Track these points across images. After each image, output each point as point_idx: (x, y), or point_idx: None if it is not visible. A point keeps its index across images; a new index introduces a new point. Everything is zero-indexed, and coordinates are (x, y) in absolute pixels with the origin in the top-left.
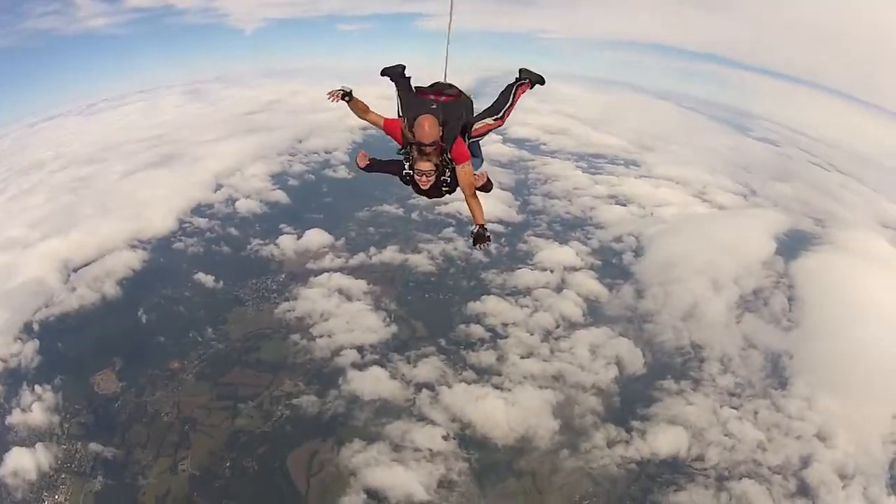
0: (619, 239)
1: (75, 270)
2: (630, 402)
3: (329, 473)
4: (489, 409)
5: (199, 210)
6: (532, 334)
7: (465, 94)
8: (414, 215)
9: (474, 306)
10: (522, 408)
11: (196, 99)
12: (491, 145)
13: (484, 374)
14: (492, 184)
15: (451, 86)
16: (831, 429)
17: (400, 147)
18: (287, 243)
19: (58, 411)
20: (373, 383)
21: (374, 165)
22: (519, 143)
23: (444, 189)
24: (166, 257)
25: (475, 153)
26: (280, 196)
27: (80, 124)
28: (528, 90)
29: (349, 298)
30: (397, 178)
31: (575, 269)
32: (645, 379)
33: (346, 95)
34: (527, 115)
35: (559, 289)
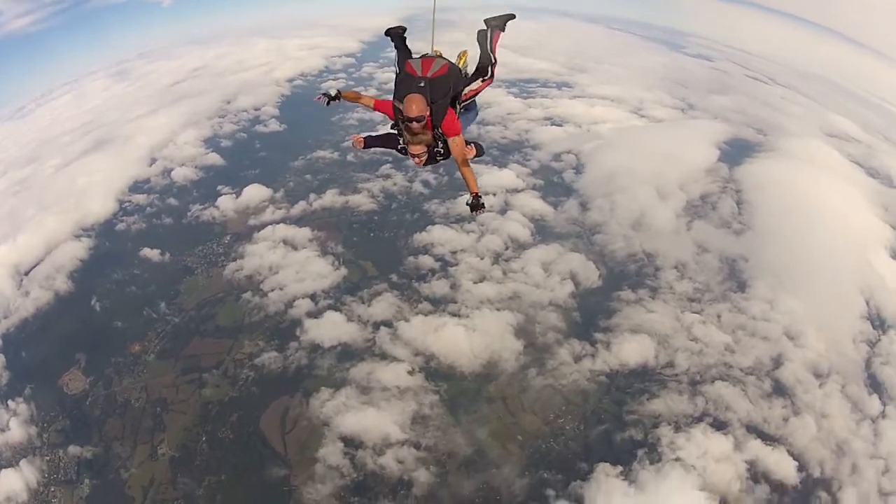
0: (558, 158)
1: (27, 273)
2: (590, 316)
3: (302, 428)
4: (450, 338)
5: (136, 187)
6: (482, 258)
7: (453, 65)
8: (350, 157)
9: (420, 238)
10: (483, 332)
11: (122, 79)
12: None
13: (439, 304)
14: (483, 149)
15: (439, 57)
16: (799, 329)
17: (393, 122)
18: (226, 204)
19: (34, 422)
20: (330, 329)
21: (370, 143)
22: None
23: (438, 158)
24: (111, 240)
25: (470, 108)
26: (215, 159)
27: (12, 129)
28: (501, 35)
29: (295, 248)
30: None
31: (517, 191)
32: (602, 291)
33: (336, 98)
34: (453, 49)
35: (503, 211)
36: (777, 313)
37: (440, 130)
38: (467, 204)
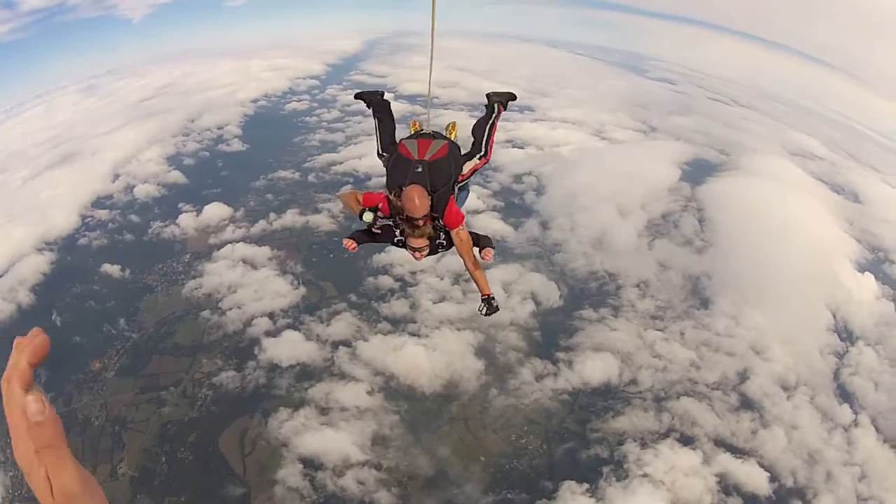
0: (519, 179)
1: None
2: (551, 335)
3: (261, 449)
4: (410, 358)
5: (99, 202)
6: (442, 279)
7: (453, 144)
8: (311, 178)
9: (380, 258)
10: (444, 352)
11: (90, 94)
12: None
13: (399, 324)
14: (493, 243)
15: (436, 135)
16: (764, 343)
17: (386, 215)
18: (187, 221)
19: None
20: (289, 348)
21: (363, 241)
22: (411, 98)
23: (439, 250)
24: (73, 255)
25: (462, 188)
26: (177, 176)
27: None
28: (503, 113)
29: (254, 267)
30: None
31: (478, 212)
32: (563, 310)
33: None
34: (416, 73)
35: None
36: (742, 328)
37: (441, 222)
38: (479, 310)
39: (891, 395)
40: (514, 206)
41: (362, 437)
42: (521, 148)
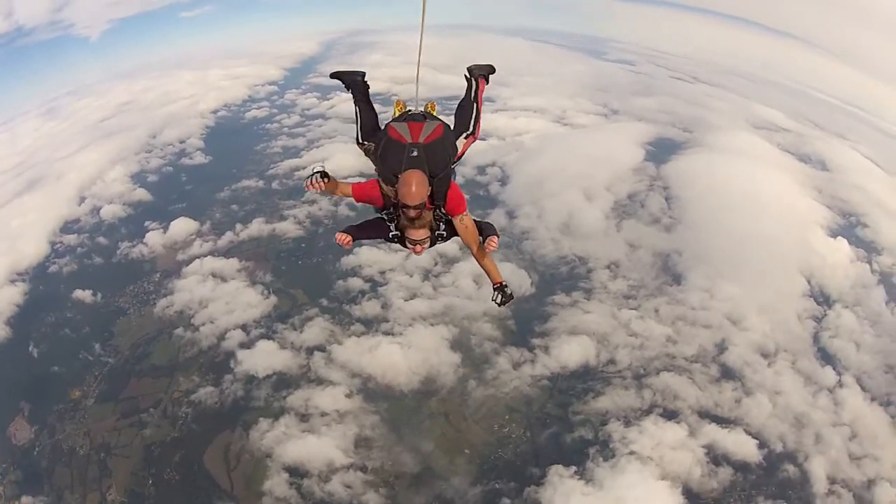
0: (483, 171)
1: None
2: (526, 323)
3: (246, 462)
4: (386, 358)
5: (66, 227)
6: (411, 276)
7: (446, 125)
8: (275, 185)
9: (348, 260)
10: (419, 349)
11: (52, 117)
12: (340, 104)
13: (372, 325)
14: (496, 230)
15: (427, 116)
16: (740, 313)
17: (379, 208)
18: (154, 239)
19: None
20: (264, 358)
21: (358, 237)
22: (371, 97)
23: (438, 241)
24: (45, 283)
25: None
26: (142, 194)
27: None
28: (485, 87)
29: (224, 280)
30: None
31: None
32: (536, 298)
33: (324, 176)
34: (375, 70)
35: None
36: (716, 301)
37: (443, 210)
38: (494, 300)
39: (874, 354)
40: (479, 197)
41: (345, 440)
42: (483, 139)
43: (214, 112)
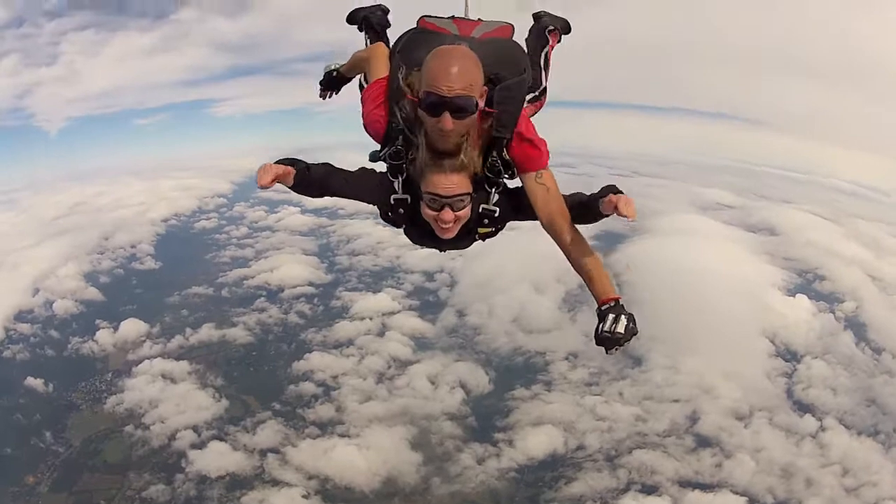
0: (431, 277)
1: None
2: (487, 419)
3: None
4: (343, 458)
5: (20, 316)
6: (365, 379)
7: (513, 26)
8: (224, 292)
9: (299, 365)
10: (377, 449)
11: (10, 208)
12: (288, 217)
13: (327, 427)
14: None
15: (485, 23)
16: (708, 383)
17: (381, 147)
18: (105, 338)
19: None
20: (216, 459)
21: (305, 181)
22: (317, 211)
23: (480, 232)
24: None
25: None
26: (94, 293)
27: None
28: (557, 44)
29: (174, 381)
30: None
31: (393, 313)
32: (494, 394)
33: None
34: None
35: (381, 333)
36: (682, 375)
37: (505, 150)
38: (604, 330)
39: (852, 393)
40: (429, 303)
41: None
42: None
43: (165, 220)
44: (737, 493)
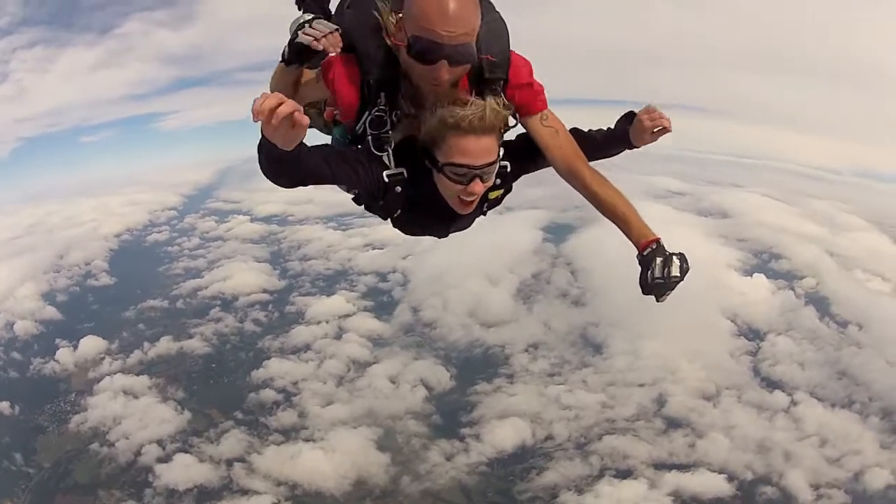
0: (384, 278)
1: None
2: (451, 415)
3: None
4: (310, 463)
5: None
6: (325, 383)
7: None
8: (179, 304)
9: (258, 373)
10: (344, 452)
11: None
12: (238, 226)
13: (291, 433)
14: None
15: None
16: (671, 366)
17: (355, 120)
18: (65, 357)
19: None
20: (183, 471)
21: (304, 152)
22: (267, 219)
23: (490, 197)
24: None
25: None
26: (52, 312)
27: None
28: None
29: (135, 396)
30: None
31: (349, 315)
32: (457, 390)
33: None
34: (270, 194)
35: (339, 336)
36: (643, 360)
37: (502, 92)
38: (649, 278)
39: (821, 367)
40: (384, 303)
41: None
42: (381, 249)
43: (117, 236)
44: (714, 471)
